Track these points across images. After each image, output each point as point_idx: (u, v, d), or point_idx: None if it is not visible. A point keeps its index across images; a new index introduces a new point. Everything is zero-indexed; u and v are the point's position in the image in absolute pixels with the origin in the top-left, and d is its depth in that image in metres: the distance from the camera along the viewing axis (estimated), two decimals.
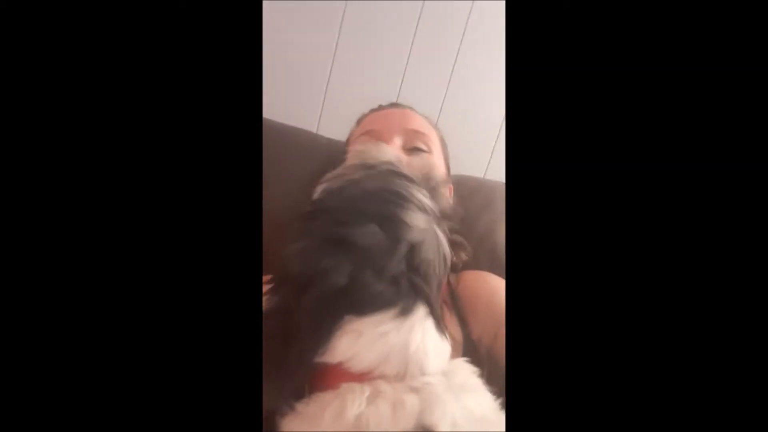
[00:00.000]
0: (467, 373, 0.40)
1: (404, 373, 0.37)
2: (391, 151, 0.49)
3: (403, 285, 0.39)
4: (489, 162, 1.06)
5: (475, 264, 0.70)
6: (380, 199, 0.41)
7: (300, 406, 0.37)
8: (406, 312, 0.38)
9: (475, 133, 1.03)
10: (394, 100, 0.99)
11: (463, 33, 1.01)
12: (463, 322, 0.60)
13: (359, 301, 0.37)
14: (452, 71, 1.02)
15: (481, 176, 1.01)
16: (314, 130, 0.92)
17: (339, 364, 0.37)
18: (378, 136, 0.66)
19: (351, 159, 0.48)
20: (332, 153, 0.77)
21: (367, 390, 0.36)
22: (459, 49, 1.01)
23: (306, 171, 0.74)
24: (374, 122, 0.70)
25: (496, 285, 0.65)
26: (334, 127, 0.87)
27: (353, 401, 0.35)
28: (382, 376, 0.37)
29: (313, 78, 0.97)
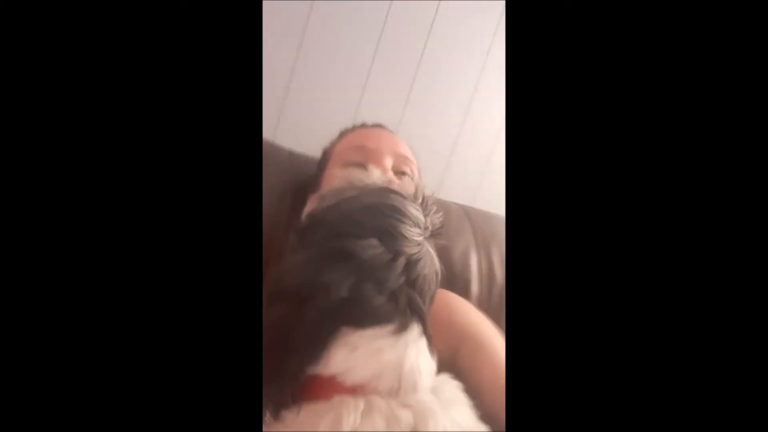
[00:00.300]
0: (452, 388, 0.42)
1: (397, 390, 0.38)
2: (380, 174, 0.50)
3: (401, 300, 0.40)
4: (441, 182, 1.10)
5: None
6: (378, 213, 0.42)
7: (289, 416, 0.37)
8: (402, 329, 0.39)
9: (429, 152, 1.06)
10: (352, 114, 1.01)
11: (425, 46, 1.04)
12: None
13: (358, 314, 0.38)
14: (411, 86, 1.05)
15: (435, 192, 1.04)
16: (271, 139, 0.91)
17: (332, 377, 0.38)
18: (369, 153, 0.67)
19: (339, 180, 0.48)
20: (295, 166, 0.76)
21: (361, 404, 0.36)
22: (419, 63, 1.04)
23: (268, 184, 0.72)
24: (366, 139, 0.70)
25: (455, 302, 0.67)
26: (292, 138, 0.86)
27: (348, 415, 0.35)
28: (375, 392, 0.37)
29: (271, 88, 0.96)
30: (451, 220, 0.85)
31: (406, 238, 0.41)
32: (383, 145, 0.69)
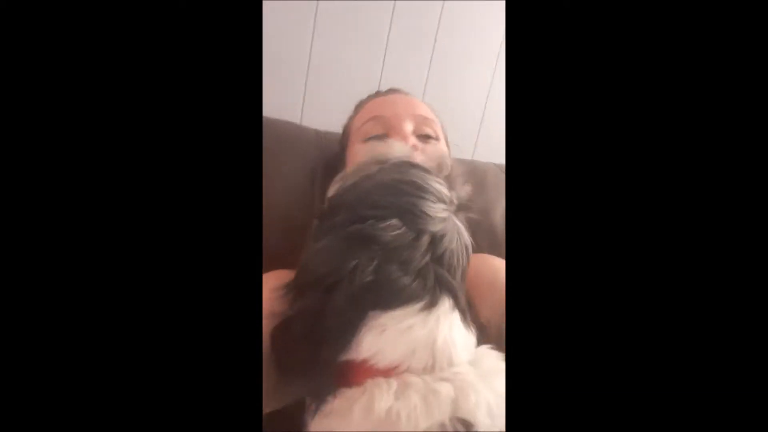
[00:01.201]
0: (492, 358, 0.40)
1: (432, 366, 0.37)
2: (402, 147, 0.48)
3: (429, 278, 0.38)
4: (476, 143, 1.06)
5: (474, 247, 0.70)
6: (396, 190, 0.40)
7: (326, 405, 0.37)
8: (431, 305, 0.37)
9: (460, 114, 1.03)
10: (376, 85, 0.98)
11: (441, 12, 0.99)
12: (470, 306, 0.60)
13: (385, 296, 0.37)
14: (432, 52, 1.01)
15: (470, 158, 1.01)
16: (298, 122, 0.90)
17: (364, 361, 0.37)
18: (387, 122, 0.64)
19: (361, 157, 0.47)
20: (321, 145, 0.75)
21: (394, 384, 0.35)
22: (439, 23, 0.99)
23: (296, 164, 0.72)
24: (381, 108, 0.67)
25: (499, 266, 0.65)
26: (319, 117, 0.85)
27: (380, 395, 0.34)
28: (409, 370, 0.36)
29: (292, 68, 0.95)
30: (490, 182, 0.81)
31: (429, 215, 0.40)
32: (400, 111, 0.65)
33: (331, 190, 0.47)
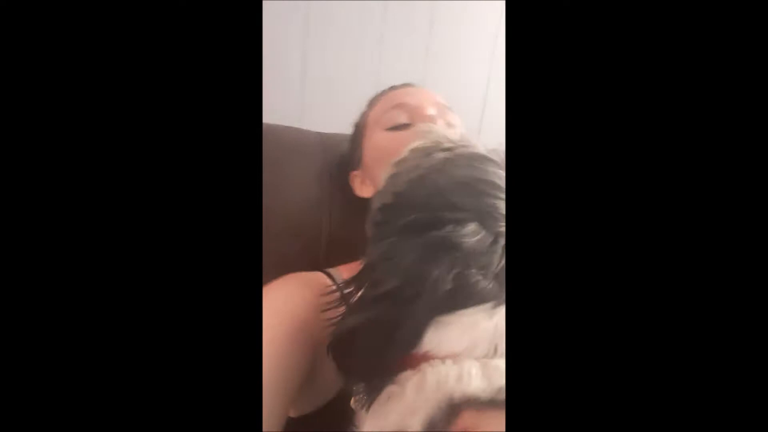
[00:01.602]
0: None
1: (494, 354, 0.35)
2: (448, 130, 0.47)
3: (504, 281, 0.37)
4: (479, 133, 1.05)
5: None
6: (475, 190, 0.38)
7: (381, 394, 0.36)
8: (499, 305, 0.36)
9: (460, 107, 1.02)
10: (374, 85, 0.97)
11: (432, 6, 0.98)
12: None
13: (462, 299, 0.36)
14: (429, 40, 1.00)
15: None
16: (298, 126, 0.89)
17: (425, 352, 0.36)
18: (413, 110, 0.63)
19: (419, 139, 0.45)
20: (326, 147, 0.75)
21: (449, 362, 0.34)
22: (432, 15, 0.99)
23: (302, 168, 0.72)
24: (403, 97, 0.66)
25: None
26: (319, 120, 0.84)
27: (434, 373, 0.34)
28: (469, 358, 0.35)
29: (288, 73, 0.94)
30: None
31: (504, 216, 0.38)
32: (424, 99, 0.65)
33: (387, 181, 0.44)
